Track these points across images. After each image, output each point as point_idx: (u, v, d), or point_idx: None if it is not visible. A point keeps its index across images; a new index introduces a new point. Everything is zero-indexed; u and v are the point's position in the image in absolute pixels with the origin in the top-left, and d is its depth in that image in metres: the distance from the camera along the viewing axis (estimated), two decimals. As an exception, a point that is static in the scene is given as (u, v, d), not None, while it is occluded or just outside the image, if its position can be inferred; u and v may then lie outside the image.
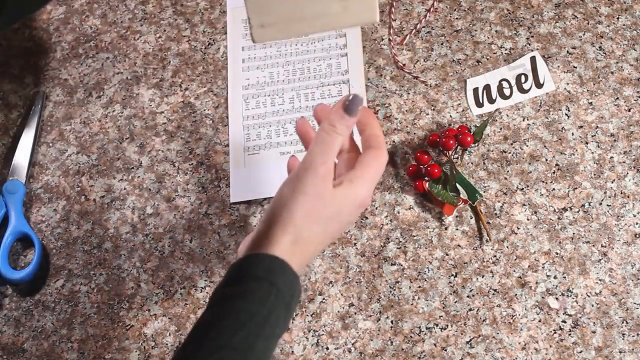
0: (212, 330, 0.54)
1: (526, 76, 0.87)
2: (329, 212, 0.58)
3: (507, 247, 0.80)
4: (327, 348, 0.76)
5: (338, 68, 0.87)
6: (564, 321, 0.76)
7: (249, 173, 0.84)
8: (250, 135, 0.86)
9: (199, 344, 0.54)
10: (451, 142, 0.82)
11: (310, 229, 0.58)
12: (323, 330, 0.77)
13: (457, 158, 0.84)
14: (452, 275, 0.79)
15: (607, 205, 0.81)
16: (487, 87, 0.87)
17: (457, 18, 0.90)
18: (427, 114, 0.86)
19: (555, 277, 0.78)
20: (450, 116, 0.86)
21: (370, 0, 0.62)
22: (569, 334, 0.76)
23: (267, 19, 0.61)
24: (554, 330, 0.76)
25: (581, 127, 0.84)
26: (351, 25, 0.63)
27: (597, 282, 0.78)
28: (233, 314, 0.54)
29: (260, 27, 0.61)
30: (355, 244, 0.80)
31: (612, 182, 0.82)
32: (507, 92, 0.87)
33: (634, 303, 0.77)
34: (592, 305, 0.77)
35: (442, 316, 0.77)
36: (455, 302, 0.78)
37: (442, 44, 0.89)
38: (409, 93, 0.87)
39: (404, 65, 0.88)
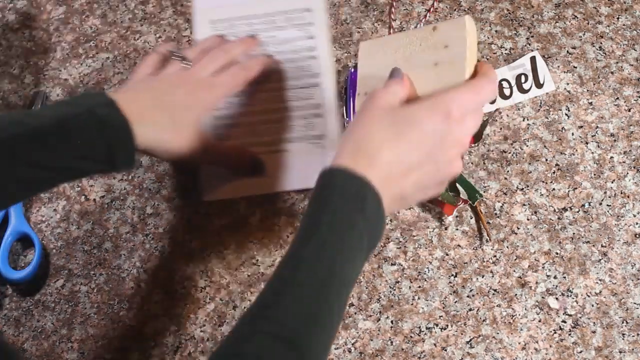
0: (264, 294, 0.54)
1: (526, 76, 0.87)
2: (397, 118, 0.55)
3: (507, 247, 0.80)
4: (327, 348, 0.76)
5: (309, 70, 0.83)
6: (564, 321, 0.76)
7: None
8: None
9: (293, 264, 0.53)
10: (451, 142, 0.82)
11: (371, 133, 0.55)
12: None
13: (457, 158, 0.84)
14: (452, 275, 0.79)
15: (607, 205, 0.81)
16: (487, 87, 0.87)
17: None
18: (427, 114, 0.86)
19: (555, 277, 0.78)
20: (450, 116, 0.86)
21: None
22: (569, 334, 0.76)
23: (373, 77, 0.67)
24: (554, 330, 0.76)
25: (581, 127, 0.84)
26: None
27: (597, 282, 0.78)
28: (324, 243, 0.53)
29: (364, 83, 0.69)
30: (355, 244, 0.80)
31: (612, 182, 0.82)
32: (507, 92, 0.87)
33: (634, 303, 0.77)
34: (592, 305, 0.77)
35: (442, 316, 0.77)
36: (455, 302, 0.78)
37: (442, 44, 0.89)
38: (409, 93, 0.87)
39: (404, 65, 0.88)
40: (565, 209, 0.81)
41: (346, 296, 0.54)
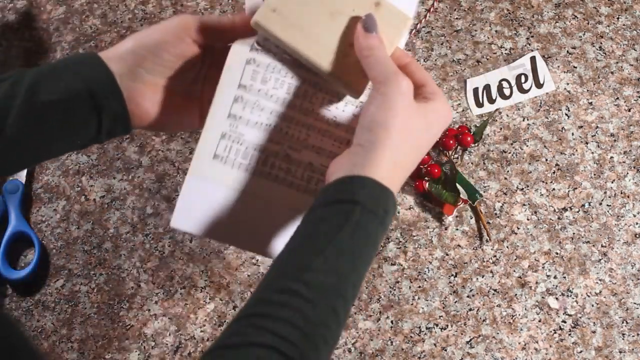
0: (292, 256, 0.53)
1: (526, 76, 0.87)
2: (422, 126, 0.57)
3: (507, 247, 0.80)
4: (327, 348, 0.76)
5: None
6: (564, 321, 0.76)
7: (208, 191, 0.61)
8: (231, 137, 0.61)
9: (278, 271, 0.53)
10: (451, 142, 0.82)
11: (407, 145, 0.56)
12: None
13: (457, 158, 0.84)
14: (452, 275, 0.79)
15: (607, 205, 0.81)
16: (487, 87, 0.87)
17: (457, 18, 0.90)
18: (427, 114, 0.86)
19: (555, 277, 0.78)
20: (450, 116, 0.86)
21: (361, 81, 0.60)
22: (569, 334, 0.76)
23: (284, 10, 0.59)
24: (554, 330, 0.76)
25: (581, 127, 0.84)
26: (337, 85, 0.60)
27: (597, 282, 0.78)
28: (310, 238, 0.53)
29: (270, 10, 0.59)
30: (355, 244, 0.80)
31: (612, 182, 0.82)
32: (507, 92, 0.87)
33: (634, 303, 0.77)
34: (592, 305, 0.77)
35: (442, 316, 0.77)
36: (455, 302, 0.78)
37: (442, 44, 0.89)
38: (409, 93, 0.87)
39: (404, 65, 0.88)
40: (565, 209, 0.81)
41: (352, 303, 0.55)
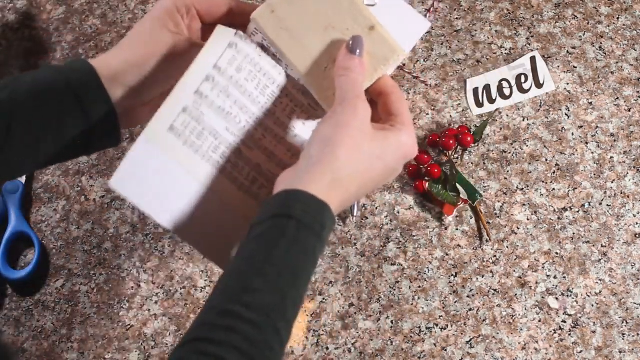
0: (232, 277, 0.53)
1: (526, 76, 0.87)
2: (374, 151, 0.56)
3: (507, 247, 0.80)
4: (327, 348, 0.76)
5: None
6: (564, 321, 0.76)
7: (155, 159, 0.60)
8: (192, 114, 0.60)
9: (221, 293, 0.52)
10: (451, 142, 0.82)
11: (352, 166, 0.55)
12: (323, 330, 0.77)
13: (457, 158, 0.84)
14: (452, 275, 0.79)
15: (607, 205, 0.81)
16: (487, 87, 0.87)
17: (457, 18, 0.90)
18: (427, 114, 0.86)
19: (555, 277, 0.78)
20: (450, 116, 0.86)
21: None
22: (569, 334, 0.76)
23: (282, 13, 0.60)
24: (554, 330, 0.76)
25: (581, 127, 0.84)
26: (313, 94, 0.61)
27: (597, 282, 0.78)
28: (249, 258, 0.53)
29: (269, 11, 0.59)
30: (355, 244, 0.80)
31: (612, 182, 0.82)
32: (507, 92, 0.87)
33: (634, 303, 0.77)
34: (592, 305, 0.77)
35: (442, 316, 0.77)
36: (455, 302, 0.78)
37: (442, 44, 0.89)
38: (409, 93, 0.87)
39: (404, 65, 0.88)
40: (565, 209, 0.81)
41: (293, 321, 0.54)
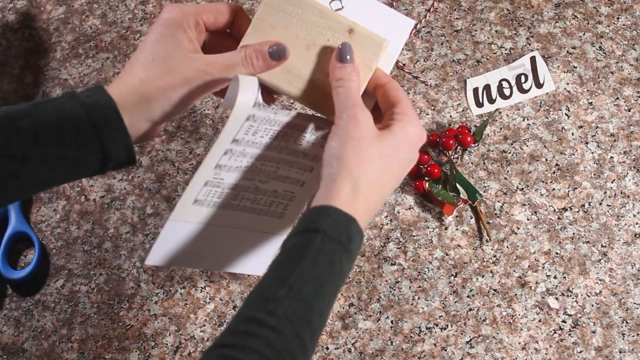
0: (260, 288, 0.54)
1: (526, 76, 0.87)
2: (384, 152, 0.57)
3: (507, 247, 0.80)
4: (327, 348, 0.76)
5: None
6: (564, 321, 0.76)
7: (183, 231, 0.64)
8: (213, 183, 0.63)
9: (248, 303, 0.54)
10: (451, 142, 0.82)
11: (367, 174, 0.56)
12: (323, 330, 0.77)
13: (457, 158, 0.84)
14: (452, 275, 0.79)
15: (607, 205, 0.81)
16: (487, 87, 0.87)
17: (457, 18, 0.90)
18: (427, 114, 0.86)
19: (555, 277, 0.78)
20: (450, 116, 0.86)
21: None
22: (569, 334, 0.76)
23: None
24: (554, 330, 0.76)
25: (581, 127, 0.84)
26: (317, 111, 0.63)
27: (597, 282, 0.78)
28: (276, 271, 0.54)
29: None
30: (355, 244, 0.80)
31: (612, 182, 0.82)
32: (507, 92, 0.87)
33: (634, 303, 0.77)
34: (592, 305, 0.77)
35: (442, 316, 0.77)
36: (455, 302, 0.78)
37: (442, 44, 0.89)
38: (409, 93, 0.87)
39: (404, 65, 0.88)
40: (565, 209, 0.81)
41: (321, 329, 0.56)
